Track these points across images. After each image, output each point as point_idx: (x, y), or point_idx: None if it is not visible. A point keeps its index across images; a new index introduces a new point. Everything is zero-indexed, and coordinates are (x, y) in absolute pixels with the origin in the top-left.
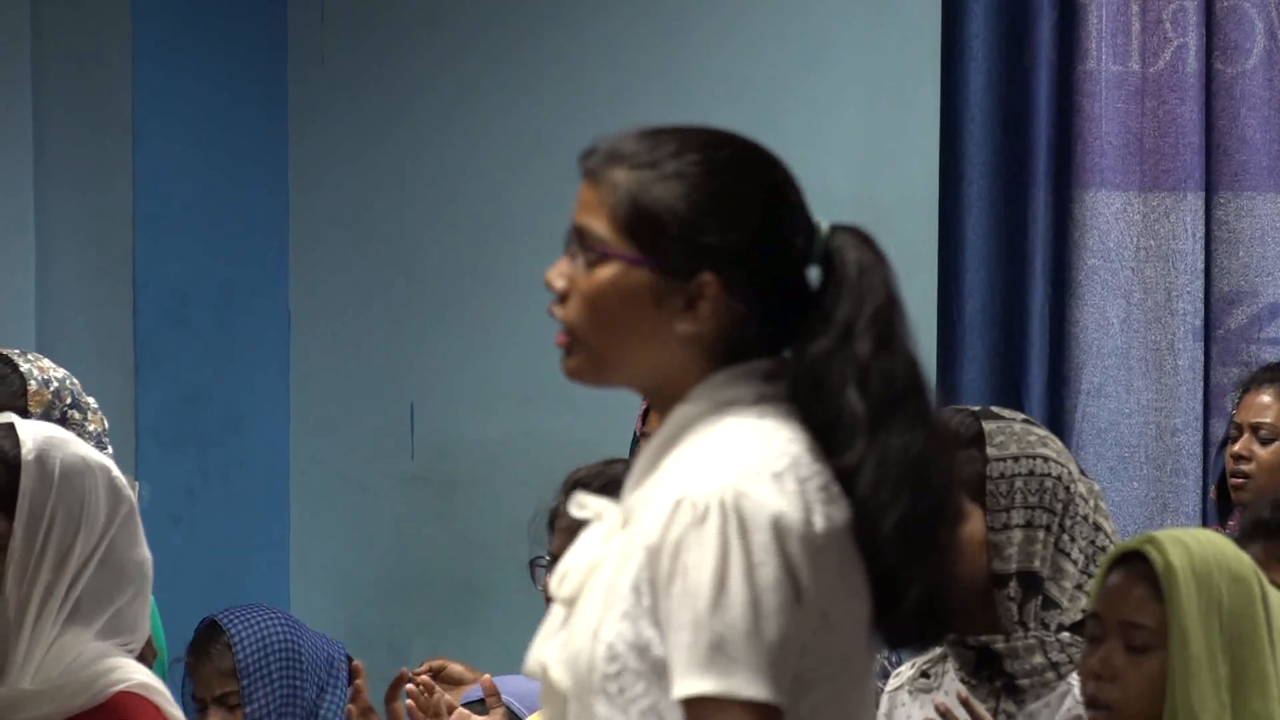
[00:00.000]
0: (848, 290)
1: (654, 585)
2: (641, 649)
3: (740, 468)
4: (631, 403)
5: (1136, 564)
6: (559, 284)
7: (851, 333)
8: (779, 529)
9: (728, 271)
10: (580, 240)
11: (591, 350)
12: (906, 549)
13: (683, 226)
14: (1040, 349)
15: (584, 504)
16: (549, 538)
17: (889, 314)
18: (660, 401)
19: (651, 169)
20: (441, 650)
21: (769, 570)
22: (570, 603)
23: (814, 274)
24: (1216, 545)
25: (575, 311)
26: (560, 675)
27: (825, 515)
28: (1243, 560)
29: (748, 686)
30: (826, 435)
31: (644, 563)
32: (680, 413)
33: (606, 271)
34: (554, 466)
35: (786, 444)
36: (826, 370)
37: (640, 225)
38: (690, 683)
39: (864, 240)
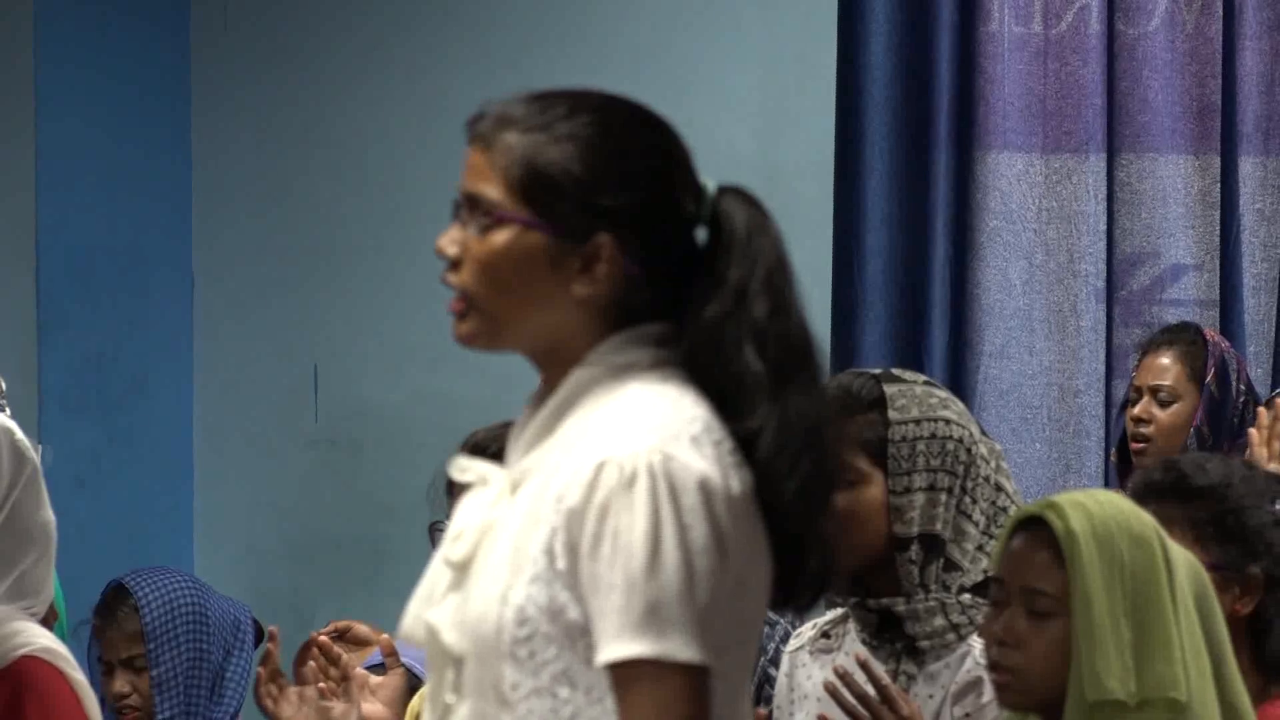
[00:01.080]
0: (738, 252)
1: (573, 549)
2: (554, 613)
3: (660, 431)
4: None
5: (1037, 529)
6: (451, 250)
7: (745, 295)
8: (706, 491)
9: (623, 232)
10: (472, 206)
11: (486, 315)
12: (807, 515)
13: (578, 188)
14: (942, 311)
15: (465, 467)
16: (449, 501)
17: (781, 276)
18: (551, 365)
19: (544, 131)
20: (347, 613)
21: (699, 533)
22: (462, 567)
23: (701, 235)
24: (1118, 507)
25: (470, 277)
26: (455, 639)
27: (739, 478)
28: (1144, 521)
29: (683, 649)
30: (726, 400)
31: (561, 525)
32: (576, 376)
33: (501, 236)
34: (459, 429)
35: (693, 407)
36: (722, 334)
37: (535, 188)
38: (622, 646)
39: (750, 201)
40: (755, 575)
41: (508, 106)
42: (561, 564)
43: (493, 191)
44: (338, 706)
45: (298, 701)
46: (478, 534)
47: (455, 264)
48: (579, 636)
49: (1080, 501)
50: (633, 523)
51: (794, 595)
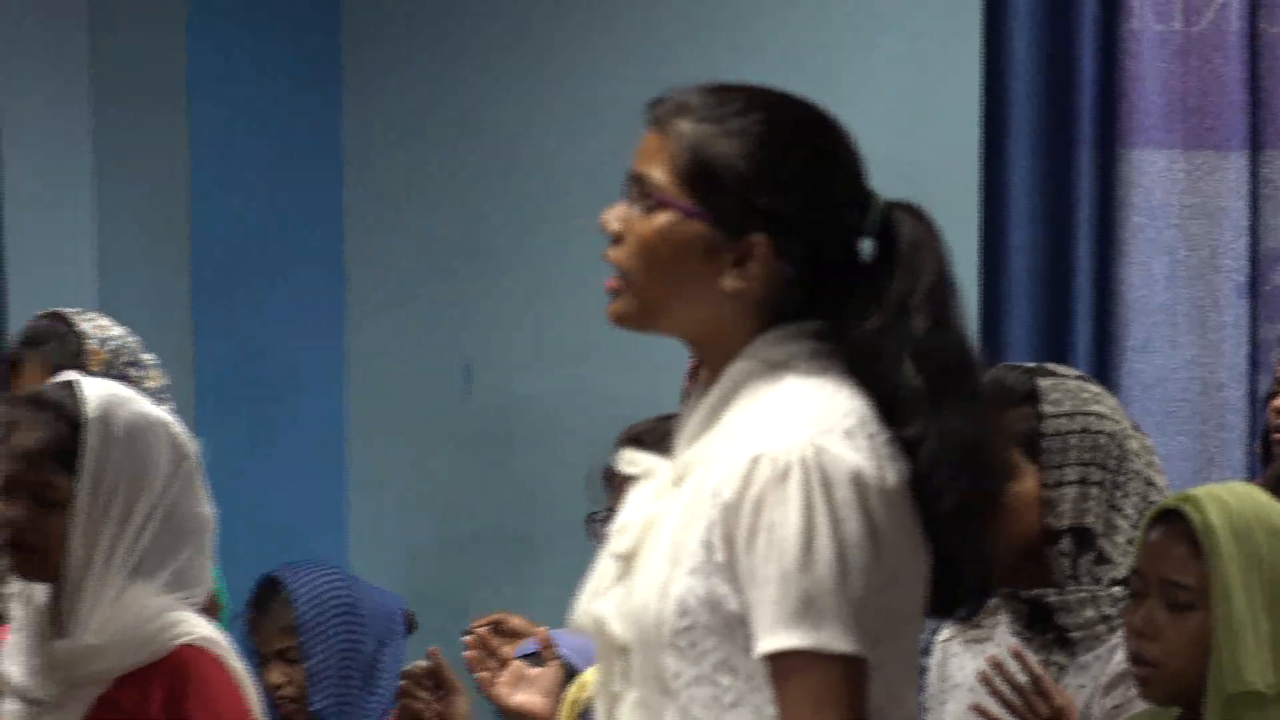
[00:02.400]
0: (902, 266)
1: (730, 542)
2: (714, 604)
3: (814, 425)
4: (682, 360)
5: (1176, 522)
6: (614, 226)
7: (907, 309)
8: (859, 484)
9: (779, 234)
10: (639, 186)
11: (640, 295)
12: (962, 528)
13: (740, 185)
14: (1086, 306)
15: (633, 460)
16: (606, 493)
17: (942, 291)
18: (707, 356)
19: (716, 124)
20: (498, 605)
21: (853, 525)
22: (627, 558)
23: (867, 246)
24: (1255, 500)
25: (627, 255)
26: (621, 629)
27: (895, 471)
28: None
29: (836, 640)
30: (884, 407)
31: (718, 519)
32: (734, 370)
33: (661, 219)
34: (607, 423)
35: (849, 401)
36: (881, 346)
37: (699, 178)
38: (778, 638)
39: (919, 216)
40: (910, 567)
41: (687, 95)
42: (719, 557)
43: (659, 175)
44: (452, 706)
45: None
46: (642, 527)
47: (616, 240)
48: (738, 626)
49: (1218, 495)
50: (786, 516)
51: (954, 604)
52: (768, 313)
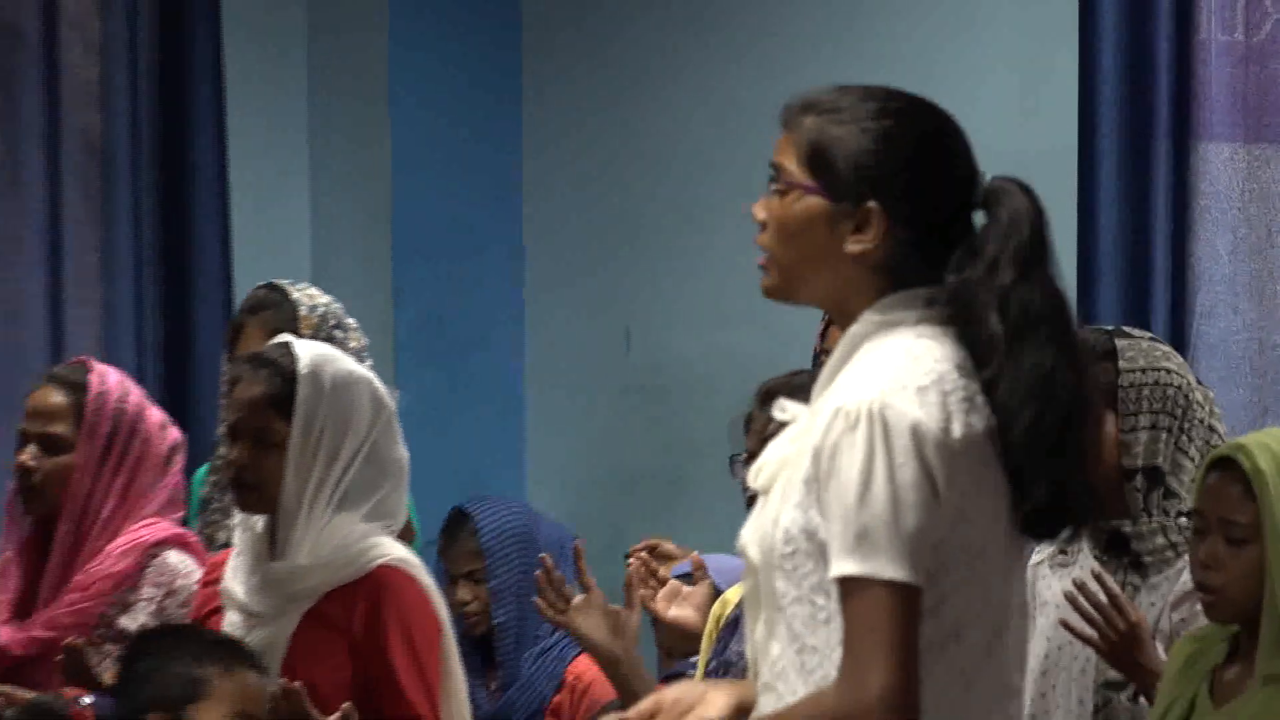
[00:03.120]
0: (997, 229)
1: (818, 481)
2: (810, 533)
3: (888, 381)
4: (813, 324)
5: (1230, 468)
6: (760, 215)
7: (996, 265)
8: (917, 435)
9: (891, 201)
10: (775, 176)
11: (781, 270)
12: (1033, 452)
13: (850, 160)
14: (1163, 277)
15: (784, 408)
16: (745, 438)
17: (1030, 251)
18: (840, 319)
19: (834, 114)
20: (654, 533)
21: (908, 471)
22: (764, 493)
23: (978, 217)
24: None
25: (770, 236)
26: (754, 553)
27: (965, 424)
28: None
29: (887, 568)
30: (974, 353)
31: (811, 461)
32: (852, 332)
33: (791, 200)
34: (748, 378)
35: (935, 362)
36: (973, 297)
37: (819, 161)
38: (841, 564)
39: (1022, 189)
40: (980, 507)
41: (811, 95)
42: (813, 493)
43: (789, 164)
44: (623, 612)
45: (586, 608)
46: (776, 466)
47: (763, 226)
48: (824, 554)
49: (1266, 443)
50: (851, 461)
51: (1031, 525)
52: (888, 278)
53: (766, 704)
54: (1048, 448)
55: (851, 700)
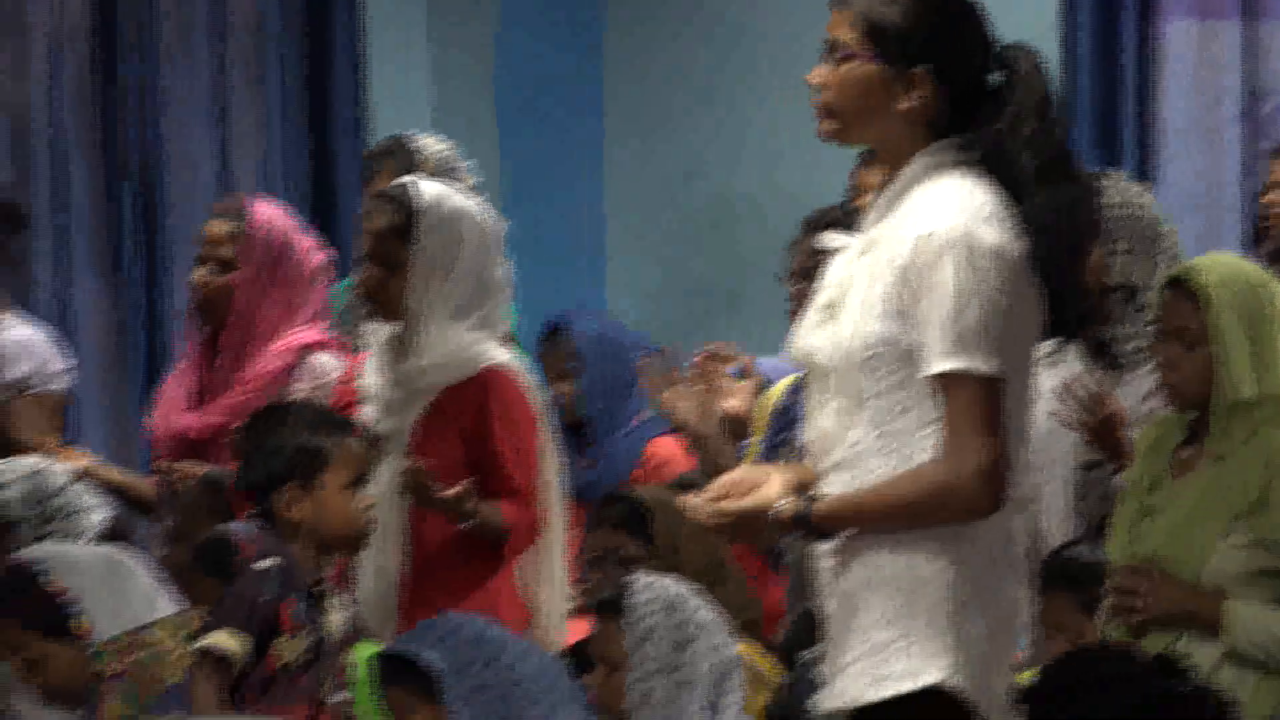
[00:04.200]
0: (1016, 86)
1: (903, 297)
2: (891, 341)
3: (965, 212)
4: (845, 166)
5: (1183, 284)
6: (815, 80)
7: (1020, 116)
8: (997, 255)
9: (935, 67)
10: (832, 47)
11: (840, 119)
12: (1053, 270)
13: (901, 33)
14: (1132, 129)
15: (833, 238)
16: (791, 260)
17: (1045, 105)
18: (889, 161)
19: None
20: (714, 339)
21: (991, 284)
22: (830, 309)
23: (995, 77)
24: (1239, 265)
25: (831, 95)
26: (827, 358)
27: (1019, 245)
28: (1258, 271)
29: (982, 364)
30: (1007, 189)
31: (894, 280)
32: (908, 171)
33: (849, 66)
34: (793, 209)
35: (985, 195)
36: (1003, 143)
37: (873, 33)
38: (941, 363)
39: (1030, 53)
40: (1028, 313)
41: None
42: (896, 306)
43: (846, 36)
44: (708, 398)
45: (680, 394)
46: (841, 284)
47: (821, 88)
48: (907, 357)
49: (1211, 265)
50: (945, 278)
51: (1055, 329)
52: (930, 129)
53: (839, 481)
54: (1064, 267)
55: (954, 473)
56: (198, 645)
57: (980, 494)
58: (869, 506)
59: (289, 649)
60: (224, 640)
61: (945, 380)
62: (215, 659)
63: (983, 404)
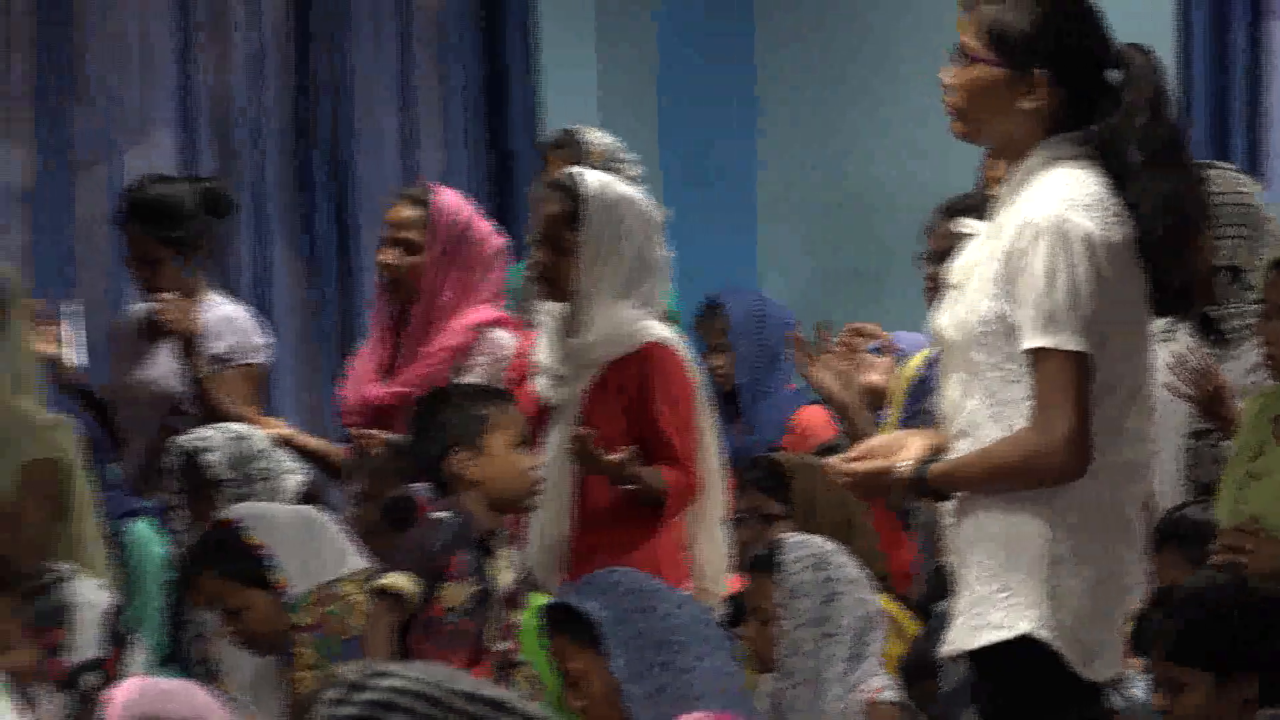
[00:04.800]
0: (1130, 83)
1: (1008, 278)
2: (1001, 317)
3: (1063, 201)
4: (977, 157)
5: None
6: (947, 80)
7: (1133, 111)
8: (1088, 241)
9: (1054, 69)
10: (960, 52)
11: (968, 120)
12: (1165, 254)
13: (1023, 39)
14: (1241, 125)
15: (967, 225)
16: (927, 244)
17: (1158, 99)
18: (1010, 157)
19: (1001, 2)
20: (857, 319)
21: (1082, 268)
22: (957, 288)
23: (1114, 75)
24: None
25: (959, 96)
26: (951, 334)
27: (1119, 232)
28: None
29: (1069, 341)
30: (1116, 180)
31: (1003, 262)
32: (1025, 164)
33: (975, 70)
34: (930, 198)
35: (1092, 185)
36: (1116, 136)
37: (996, 38)
38: (1033, 339)
39: (1145, 52)
40: (1128, 294)
41: None
42: (1004, 287)
43: (971, 41)
44: (850, 371)
45: (824, 366)
46: (967, 267)
47: (949, 89)
48: (1013, 333)
49: None
50: (1038, 261)
51: (1159, 307)
52: (1049, 125)
53: (962, 446)
54: (1175, 250)
55: (1042, 441)
56: (375, 584)
57: (1064, 460)
58: (972, 470)
59: (454, 595)
60: (399, 581)
61: (1035, 355)
62: (391, 597)
63: (1068, 377)
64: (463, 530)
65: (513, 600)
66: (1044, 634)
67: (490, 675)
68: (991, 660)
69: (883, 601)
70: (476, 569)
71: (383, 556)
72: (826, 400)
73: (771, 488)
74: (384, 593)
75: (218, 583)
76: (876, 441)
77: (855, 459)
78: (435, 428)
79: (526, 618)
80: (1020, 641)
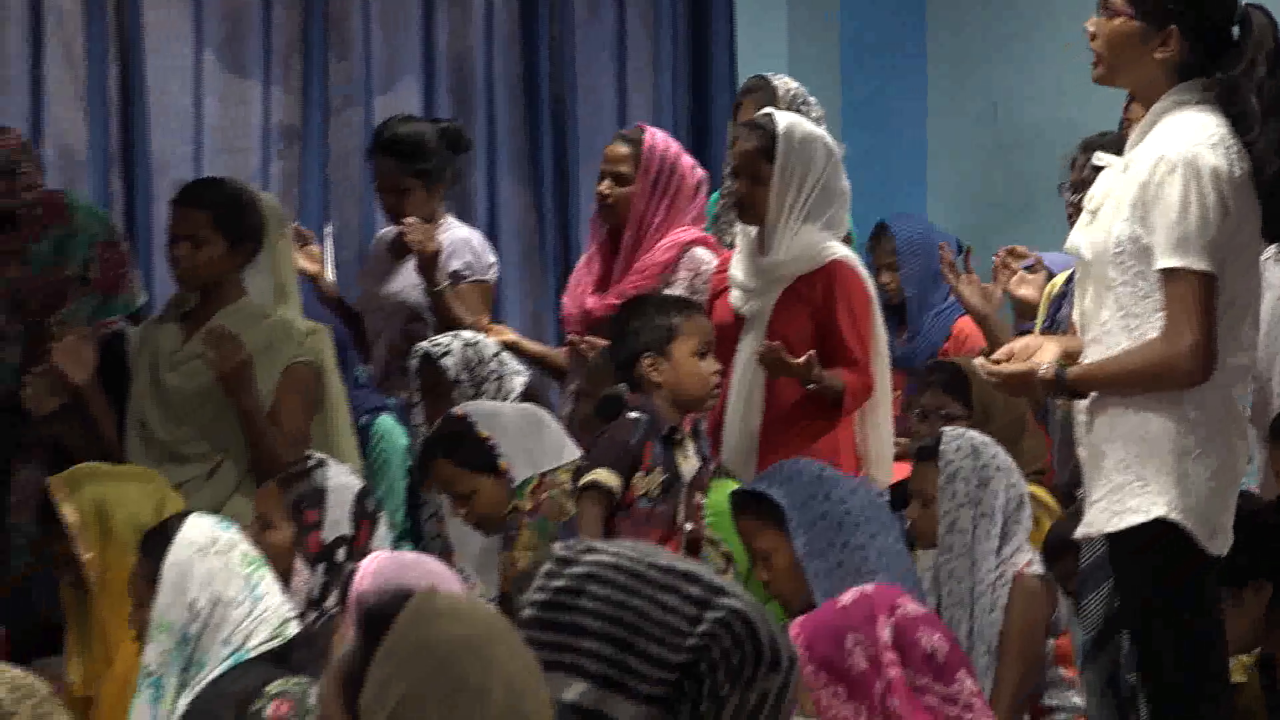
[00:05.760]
0: (1252, 38)
1: (1145, 205)
2: (1135, 239)
3: (1192, 139)
4: (1119, 100)
5: None
6: (1090, 28)
7: (1254, 64)
8: (1216, 175)
9: (1183, 25)
10: (1104, 5)
11: (1108, 66)
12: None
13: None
14: None
15: (1104, 159)
16: (1069, 172)
17: (1276, 54)
18: (1144, 100)
19: None
20: (1010, 242)
21: (1211, 198)
22: (1094, 213)
23: (1235, 31)
24: None
25: (1101, 43)
26: (1086, 252)
27: (1240, 167)
28: None
29: (1197, 262)
30: (1238, 124)
31: (1138, 192)
32: (1157, 107)
33: (1117, 22)
34: (1075, 135)
35: (1216, 127)
36: (1238, 86)
37: None
38: (1166, 259)
39: (1264, 12)
40: (1246, 222)
41: None
42: (1139, 213)
43: None
44: (990, 287)
45: (969, 282)
46: (1104, 195)
47: (1093, 37)
48: (1146, 253)
49: None
50: (1173, 192)
51: (1273, 233)
52: (1178, 73)
53: (1094, 352)
54: None
55: (1171, 350)
56: (585, 480)
57: (1192, 367)
58: (1108, 373)
59: (646, 483)
60: (605, 477)
61: (1167, 274)
62: (599, 492)
63: (1196, 294)
64: (651, 426)
65: (697, 485)
66: (1176, 516)
67: (680, 552)
68: (1130, 541)
69: (1030, 487)
70: (665, 460)
71: (592, 449)
72: (968, 311)
73: (954, 389)
74: (591, 486)
75: (451, 470)
76: (1018, 344)
77: (1003, 360)
78: (629, 335)
79: (719, 501)
80: (1155, 524)
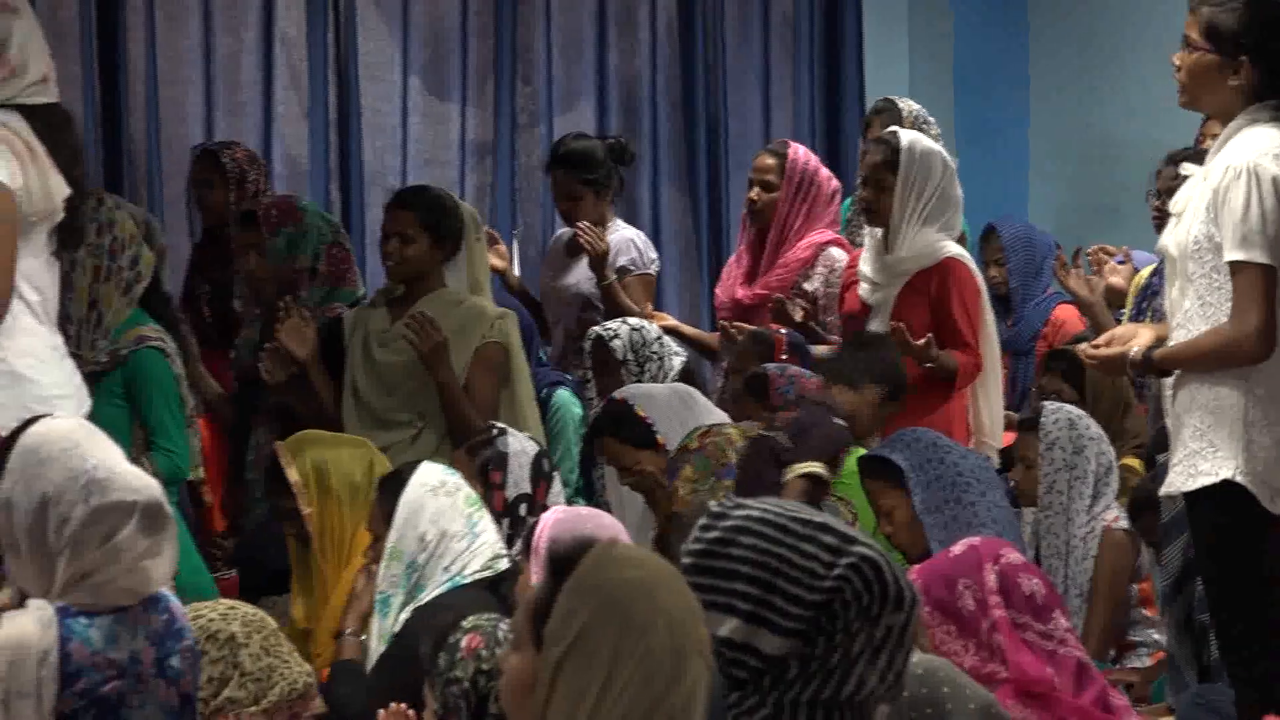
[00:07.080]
0: None
1: (1215, 207)
2: (1209, 237)
3: (1257, 151)
4: (1197, 121)
5: None
6: (1177, 62)
7: None
8: (1275, 181)
9: (1255, 57)
10: (1186, 40)
11: (1190, 94)
12: None
13: (1233, 34)
14: None
15: (1186, 169)
16: (1156, 182)
17: None
18: (1221, 120)
19: (1219, 6)
20: (1101, 240)
21: (1271, 202)
22: (1178, 216)
23: None
24: None
25: (1184, 75)
26: (1174, 251)
27: None
28: None
29: (1260, 256)
30: None
31: (1212, 196)
32: (1232, 125)
33: (1195, 56)
34: (1161, 150)
35: (1278, 140)
36: None
37: (1212, 33)
38: (1233, 254)
39: None
40: None
41: None
42: (1211, 214)
43: (1195, 35)
44: (1093, 279)
45: (1071, 274)
46: (1186, 200)
47: (1178, 69)
48: (1217, 250)
49: None
50: (1238, 196)
51: None
52: (1250, 97)
53: (1179, 336)
54: None
55: (1238, 332)
56: (801, 472)
57: (1255, 347)
58: (1187, 354)
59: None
60: (818, 468)
61: (1233, 266)
62: (810, 479)
63: (1258, 284)
64: (847, 434)
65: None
66: (1241, 479)
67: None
68: (1201, 499)
69: (1128, 459)
70: None
71: (745, 419)
72: (1076, 300)
73: (1069, 374)
74: (806, 475)
75: (617, 446)
76: (1119, 330)
77: (1102, 345)
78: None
79: (849, 465)
80: (1223, 485)
